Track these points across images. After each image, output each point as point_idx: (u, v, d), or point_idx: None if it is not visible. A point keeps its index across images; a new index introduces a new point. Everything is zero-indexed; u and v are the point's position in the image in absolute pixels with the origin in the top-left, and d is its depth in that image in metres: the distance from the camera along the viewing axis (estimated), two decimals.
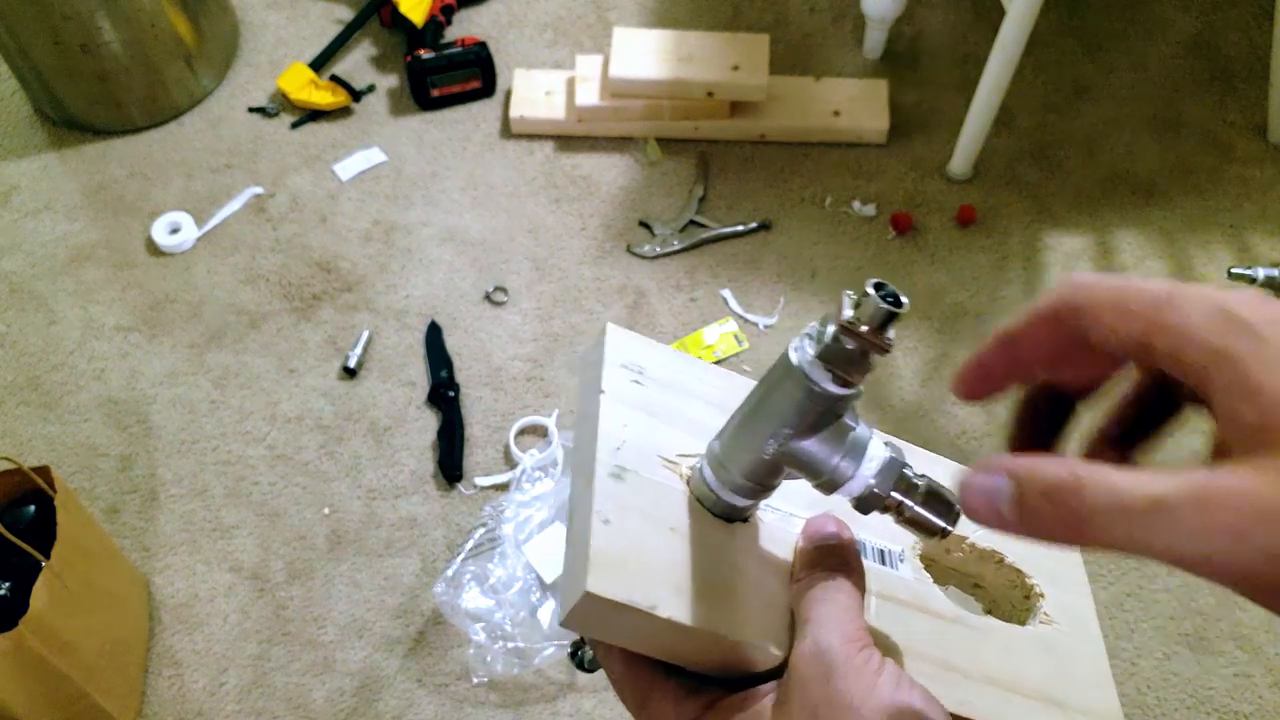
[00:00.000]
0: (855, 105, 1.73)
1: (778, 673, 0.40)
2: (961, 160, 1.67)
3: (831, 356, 0.37)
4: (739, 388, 0.48)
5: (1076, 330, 0.34)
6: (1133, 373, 0.37)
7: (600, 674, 1.30)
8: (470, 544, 1.35)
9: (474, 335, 1.57)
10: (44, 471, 1.19)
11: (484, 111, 1.80)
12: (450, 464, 1.44)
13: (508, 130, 1.77)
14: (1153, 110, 1.77)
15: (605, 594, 0.38)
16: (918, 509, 0.40)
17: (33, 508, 1.23)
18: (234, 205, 1.70)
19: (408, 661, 1.32)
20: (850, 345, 0.36)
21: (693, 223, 1.66)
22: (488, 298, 1.60)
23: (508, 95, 1.79)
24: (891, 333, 0.36)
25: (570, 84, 1.76)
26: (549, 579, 1.31)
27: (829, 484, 0.40)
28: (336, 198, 1.71)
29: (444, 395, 1.50)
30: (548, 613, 1.29)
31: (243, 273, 1.63)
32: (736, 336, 1.55)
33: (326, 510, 1.43)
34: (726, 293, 1.59)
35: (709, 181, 1.71)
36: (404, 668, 1.32)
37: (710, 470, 0.42)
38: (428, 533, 1.41)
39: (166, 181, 1.74)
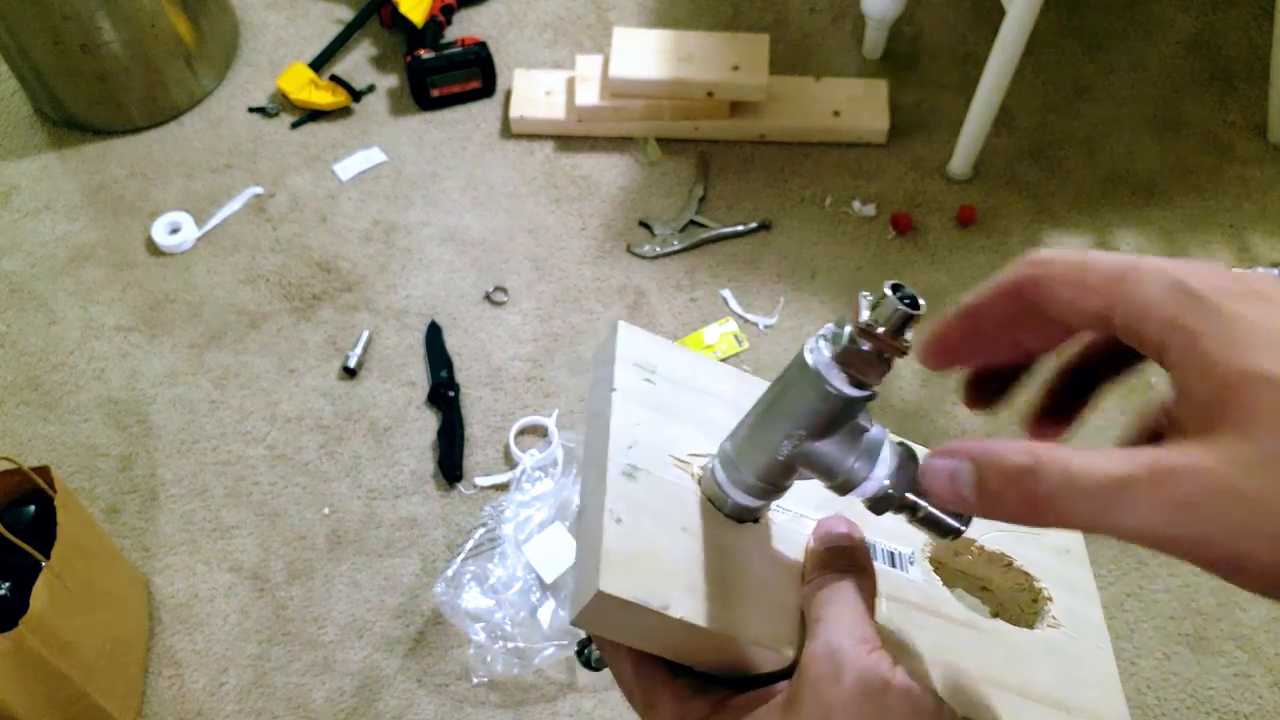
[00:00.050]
0: (855, 105, 1.73)
1: (786, 674, 0.40)
2: (961, 160, 1.67)
3: (848, 358, 0.36)
4: (750, 387, 0.48)
5: (1036, 304, 0.35)
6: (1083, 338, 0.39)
7: (602, 674, 1.30)
8: (470, 544, 1.35)
9: (474, 335, 1.57)
10: (44, 471, 1.19)
11: (484, 111, 1.80)
12: (450, 464, 1.44)
13: (508, 130, 1.77)
14: (1153, 110, 1.77)
15: (617, 593, 0.38)
16: (932, 509, 0.40)
17: (33, 508, 1.23)
18: (234, 205, 1.70)
19: (408, 661, 1.32)
20: (867, 347, 0.36)
21: (693, 223, 1.66)
22: (488, 298, 1.60)
23: (508, 95, 1.79)
24: (909, 335, 0.36)
25: (570, 84, 1.76)
26: (549, 579, 1.31)
27: (843, 485, 0.40)
28: (336, 198, 1.71)
29: (444, 395, 1.50)
30: (548, 613, 1.29)
31: (243, 273, 1.63)
32: (736, 336, 1.55)
33: (326, 510, 1.43)
34: (726, 293, 1.59)
35: (709, 181, 1.71)
36: (404, 668, 1.32)
37: (722, 470, 0.42)
38: (428, 533, 1.41)
39: (166, 181, 1.74)
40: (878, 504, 0.40)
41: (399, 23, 1.83)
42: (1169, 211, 1.66)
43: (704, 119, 1.72)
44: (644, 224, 1.66)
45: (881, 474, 0.39)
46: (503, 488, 1.43)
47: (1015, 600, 0.49)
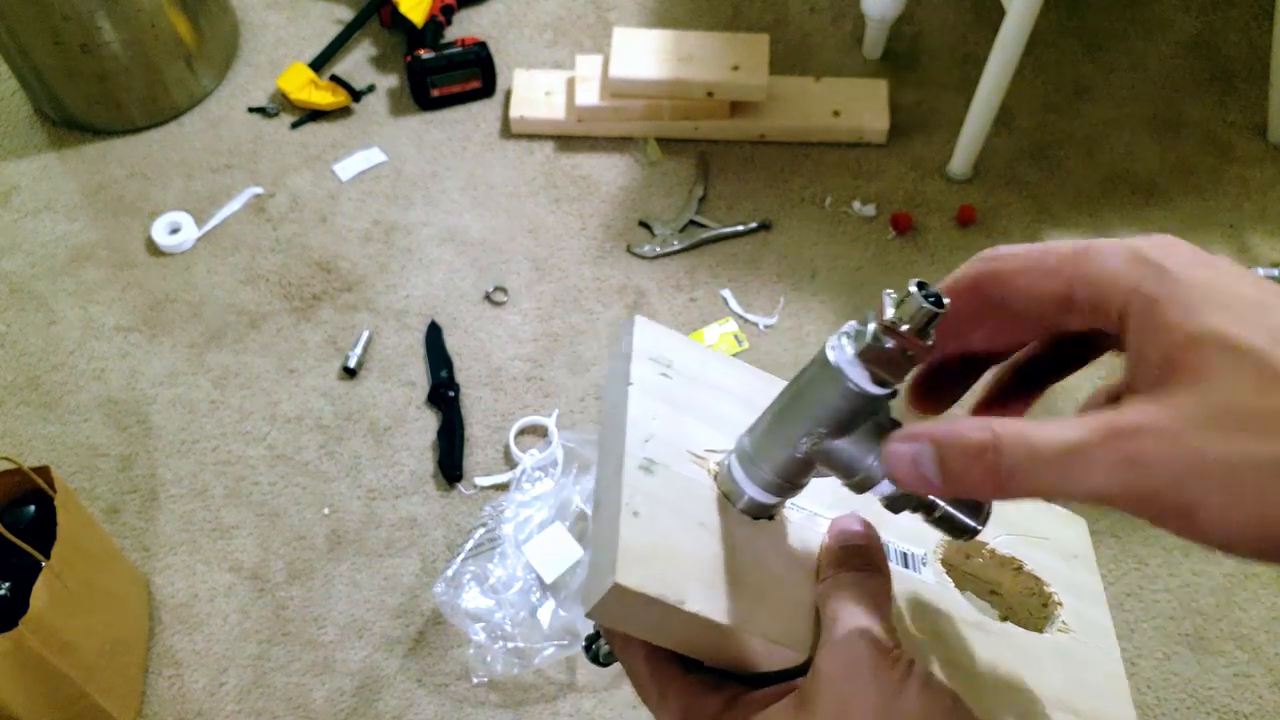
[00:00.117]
0: (855, 105, 1.73)
1: (799, 671, 0.40)
2: (961, 160, 1.67)
3: (871, 355, 0.36)
4: (764, 384, 0.48)
5: (994, 298, 0.36)
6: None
7: (602, 674, 1.30)
8: (470, 544, 1.35)
9: (474, 335, 1.57)
10: (44, 471, 1.19)
11: (484, 111, 1.80)
12: (450, 464, 1.44)
13: (508, 130, 1.77)
14: (1153, 110, 1.77)
15: (634, 586, 0.38)
16: (948, 508, 0.40)
17: (33, 508, 1.23)
18: (234, 205, 1.70)
19: (408, 661, 1.32)
20: (890, 345, 0.36)
21: (693, 223, 1.66)
22: (488, 298, 1.60)
23: (508, 95, 1.79)
24: (933, 334, 0.36)
25: (570, 84, 1.76)
26: (549, 579, 1.31)
27: (862, 483, 0.39)
28: (336, 198, 1.71)
29: (444, 395, 1.50)
30: (548, 613, 1.29)
31: (243, 273, 1.63)
32: (736, 336, 1.55)
33: (326, 510, 1.43)
34: (726, 293, 1.59)
35: (709, 181, 1.71)
36: (404, 668, 1.32)
37: (739, 467, 0.42)
38: (428, 533, 1.41)
39: (166, 181, 1.74)
40: (895, 503, 0.40)
41: (399, 23, 1.83)
42: (1169, 211, 1.66)
43: (704, 119, 1.72)
44: (644, 224, 1.66)
45: None
46: (503, 488, 1.43)
47: (1025, 604, 0.49)
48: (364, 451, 1.47)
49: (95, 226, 1.69)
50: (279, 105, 1.81)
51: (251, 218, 1.69)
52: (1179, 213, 1.66)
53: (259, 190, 1.72)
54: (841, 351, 0.37)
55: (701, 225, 1.65)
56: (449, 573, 1.32)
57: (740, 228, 1.65)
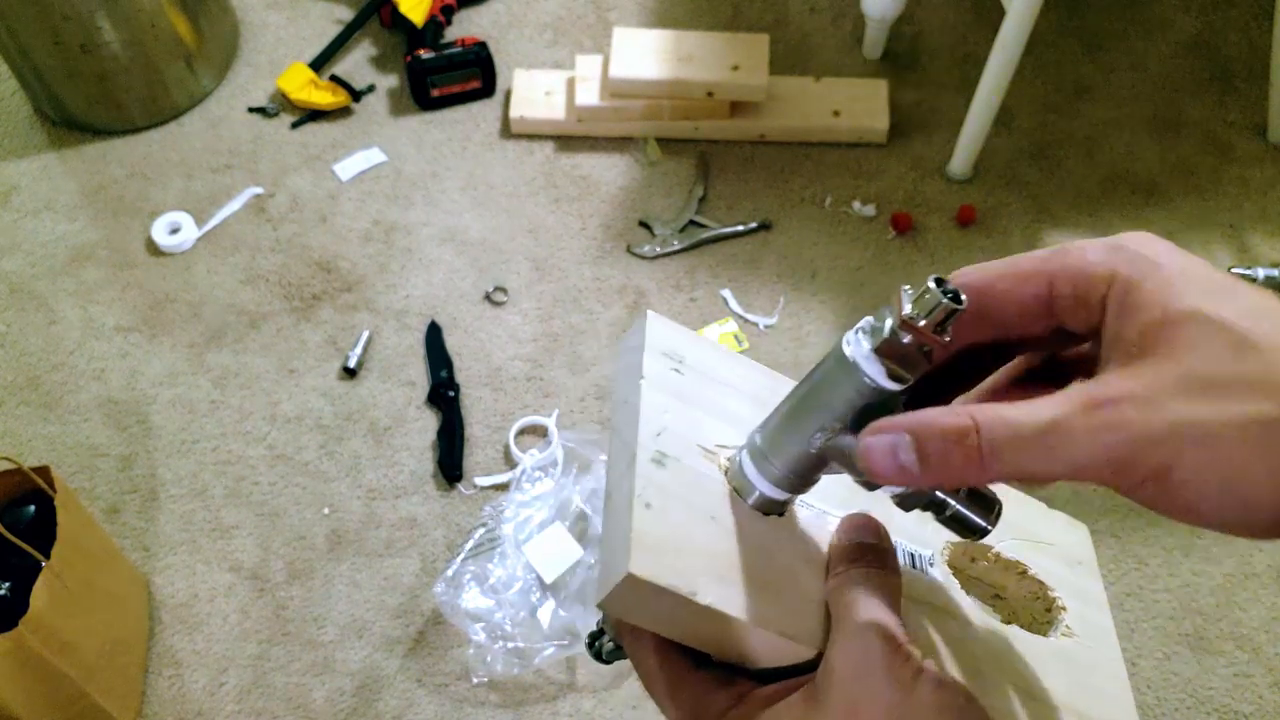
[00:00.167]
0: (855, 105, 1.73)
1: (808, 667, 0.40)
2: (961, 160, 1.67)
3: (888, 351, 0.36)
4: (773, 382, 0.48)
5: (975, 309, 0.36)
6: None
7: (602, 674, 1.30)
8: (470, 544, 1.35)
9: (474, 335, 1.57)
10: (44, 471, 1.19)
11: (484, 111, 1.80)
12: (450, 464, 1.44)
13: (508, 130, 1.77)
14: (1153, 110, 1.77)
15: (647, 576, 0.38)
16: (960, 507, 0.40)
17: (33, 508, 1.23)
18: (234, 205, 1.70)
19: (408, 661, 1.32)
20: (908, 340, 0.36)
21: (693, 223, 1.66)
22: (488, 298, 1.60)
23: (508, 95, 1.79)
24: (951, 330, 0.36)
25: (570, 84, 1.76)
26: (549, 579, 1.31)
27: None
28: (336, 198, 1.71)
29: (444, 395, 1.50)
30: (548, 613, 1.29)
31: (243, 273, 1.63)
32: (736, 336, 1.55)
33: (326, 510, 1.43)
34: (726, 293, 1.59)
35: (709, 181, 1.71)
36: (404, 668, 1.32)
37: (751, 462, 0.42)
38: (428, 533, 1.41)
39: (166, 181, 1.74)
40: (906, 500, 0.40)
41: (399, 23, 1.83)
42: (1169, 211, 1.66)
43: (704, 119, 1.72)
44: (644, 224, 1.66)
45: None
46: (503, 488, 1.43)
47: (1029, 609, 0.49)
48: (364, 451, 1.47)
49: (95, 226, 1.69)
50: (279, 105, 1.81)
51: (251, 218, 1.69)
52: (1179, 213, 1.66)
53: (259, 190, 1.72)
54: (858, 346, 0.37)
55: (701, 225, 1.65)
56: (449, 573, 1.32)
57: (740, 228, 1.65)
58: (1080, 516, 0.53)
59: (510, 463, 1.45)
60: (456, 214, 1.69)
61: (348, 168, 1.74)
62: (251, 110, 1.81)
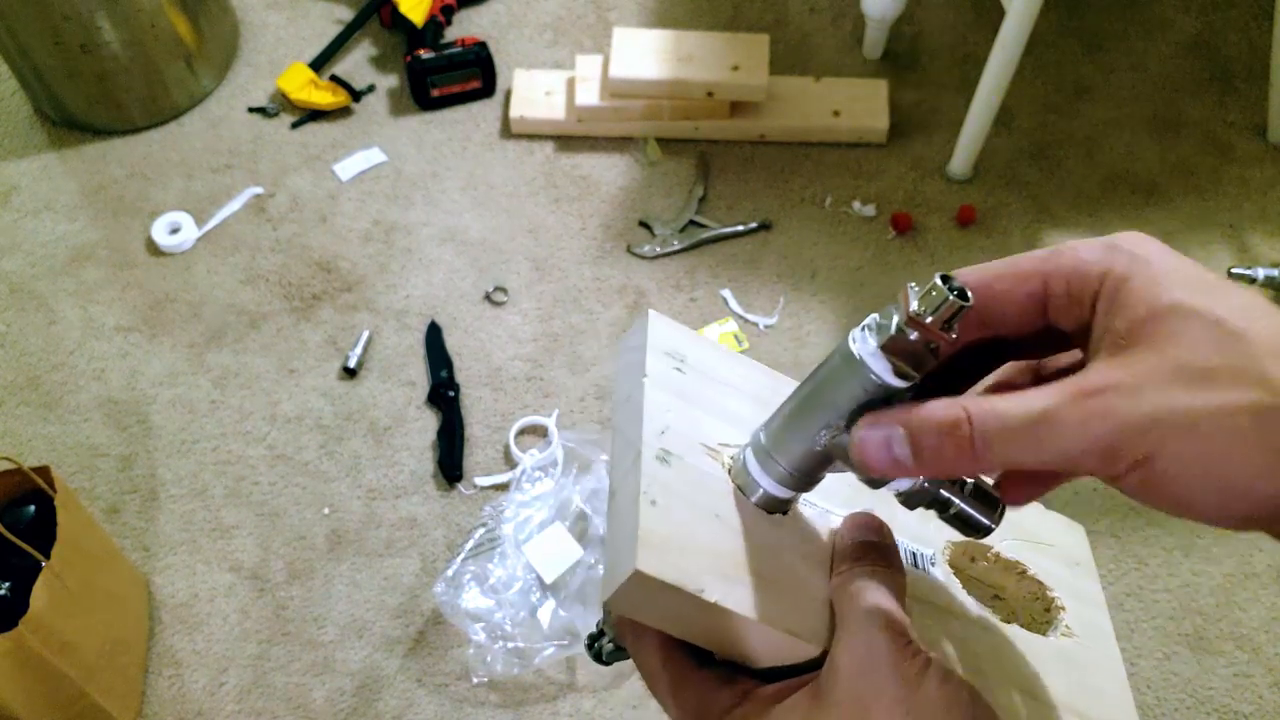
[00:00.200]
0: (855, 105, 1.73)
1: (812, 665, 0.40)
2: (961, 160, 1.67)
3: (895, 348, 0.36)
4: (775, 382, 0.48)
5: (974, 311, 0.36)
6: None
7: (602, 674, 1.30)
8: (470, 544, 1.35)
9: (474, 335, 1.57)
10: (44, 471, 1.19)
11: (484, 111, 1.80)
12: (450, 464, 1.44)
13: (508, 130, 1.77)
14: (1153, 110, 1.77)
15: (654, 574, 0.38)
16: (964, 506, 0.40)
17: (33, 508, 1.23)
18: (234, 205, 1.70)
19: (408, 661, 1.32)
20: (914, 337, 0.36)
21: (693, 223, 1.66)
22: (488, 298, 1.60)
23: (508, 95, 1.79)
24: (957, 327, 0.36)
25: (570, 84, 1.76)
26: (549, 579, 1.31)
27: (878, 478, 0.39)
28: (336, 198, 1.71)
29: (444, 395, 1.50)
30: (548, 613, 1.29)
31: (243, 273, 1.63)
32: (736, 336, 1.55)
33: (326, 510, 1.43)
34: (726, 293, 1.59)
35: (709, 181, 1.71)
36: (404, 668, 1.32)
37: (755, 460, 0.42)
38: (428, 533, 1.41)
39: (166, 181, 1.74)
40: (911, 498, 0.40)
41: (399, 23, 1.83)
42: (1169, 211, 1.66)
43: (704, 119, 1.72)
44: (644, 224, 1.66)
45: None
46: (503, 488, 1.43)
47: (1028, 609, 0.49)
48: (364, 451, 1.47)
49: (95, 226, 1.69)
50: (279, 105, 1.81)
51: (251, 218, 1.69)
52: (1179, 213, 1.66)
53: (259, 190, 1.72)
54: (865, 343, 0.37)
55: (701, 225, 1.65)
56: (449, 573, 1.32)
57: (740, 228, 1.65)
58: (1079, 517, 0.53)
59: (510, 463, 1.45)
60: (456, 214, 1.69)
61: (348, 168, 1.74)
62: (251, 110, 1.81)
